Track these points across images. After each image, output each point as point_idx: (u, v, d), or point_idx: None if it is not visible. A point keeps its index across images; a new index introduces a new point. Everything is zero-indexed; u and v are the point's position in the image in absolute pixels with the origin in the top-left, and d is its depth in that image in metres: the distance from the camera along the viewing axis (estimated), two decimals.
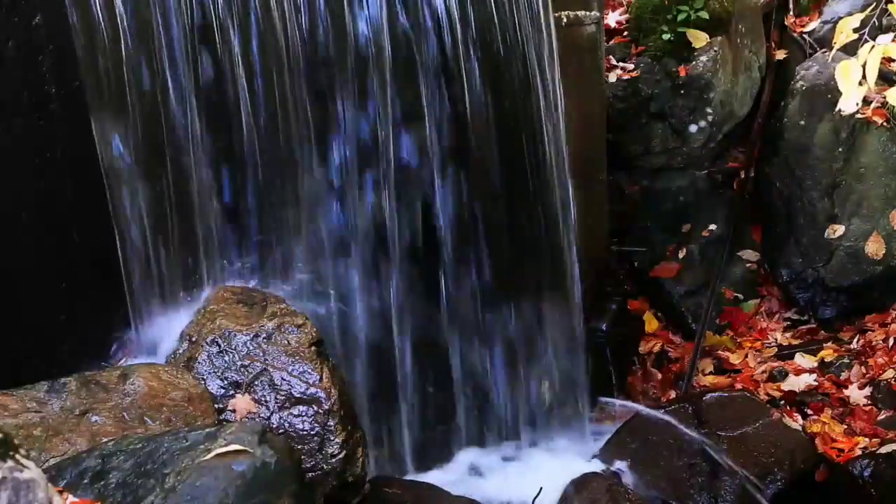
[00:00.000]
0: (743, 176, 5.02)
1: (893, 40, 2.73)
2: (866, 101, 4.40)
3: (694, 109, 4.82)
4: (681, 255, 4.90)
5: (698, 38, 4.77)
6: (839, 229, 4.67)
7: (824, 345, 4.57)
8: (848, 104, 2.72)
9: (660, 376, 4.58)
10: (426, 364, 3.52)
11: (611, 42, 4.88)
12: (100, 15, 2.74)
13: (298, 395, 2.64)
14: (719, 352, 4.66)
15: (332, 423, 2.62)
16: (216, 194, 3.05)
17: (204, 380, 2.66)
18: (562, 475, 3.52)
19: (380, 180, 3.30)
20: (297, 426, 2.62)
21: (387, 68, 3.21)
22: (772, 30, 5.21)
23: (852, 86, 2.65)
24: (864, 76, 2.63)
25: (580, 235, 3.81)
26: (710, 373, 4.57)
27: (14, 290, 2.71)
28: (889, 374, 4.24)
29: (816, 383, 4.35)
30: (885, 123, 4.57)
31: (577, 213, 3.78)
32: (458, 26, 3.28)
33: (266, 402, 2.64)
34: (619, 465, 3.65)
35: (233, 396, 2.65)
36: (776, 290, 4.91)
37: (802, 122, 4.79)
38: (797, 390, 4.32)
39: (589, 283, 4.01)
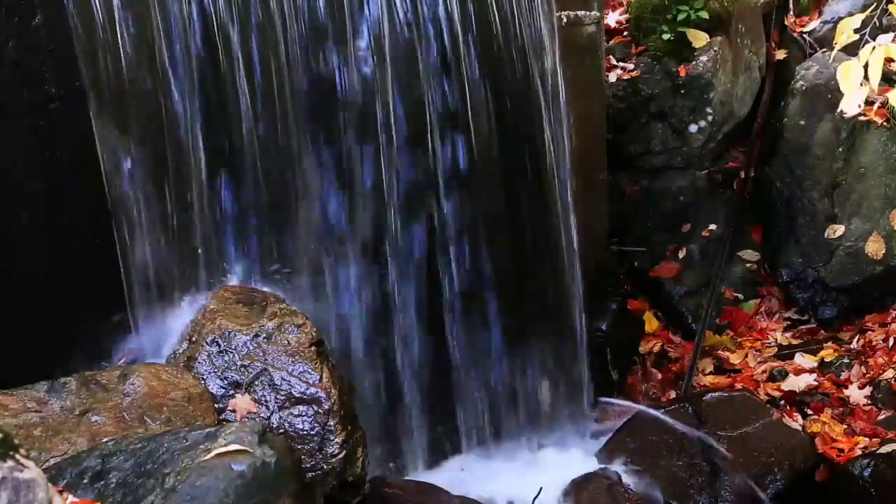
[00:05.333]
0: (743, 176, 5.02)
1: (894, 40, 2.72)
2: (867, 102, 4.39)
3: (694, 109, 4.82)
4: (681, 255, 4.90)
5: (698, 38, 4.77)
6: (839, 229, 4.66)
7: (824, 345, 4.57)
8: (850, 106, 2.71)
9: (660, 376, 4.57)
10: (427, 364, 3.52)
11: (611, 42, 4.88)
12: (100, 15, 2.74)
13: (298, 395, 2.64)
14: (719, 352, 4.66)
15: (332, 423, 2.62)
16: (216, 194, 3.05)
17: (204, 380, 2.66)
18: (562, 475, 3.52)
19: (381, 179, 3.30)
20: (297, 426, 2.62)
21: (388, 69, 3.21)
22: (772, 30, 5.21)
23: (854, 87, 2.64)
24: (865, 77, 2.62)
25: (580, 235, 3.81)
26: (710, 373, 4.57)
27: (14, 290, 2.72)
28: (889, 374, 4.24)
29: (816, 383, 4.34)
30: (885, 123, 4.57)
31: (577, 213, 3.78)
32: (459, 26, 3.28)
33: (266, 401, 2.64)
34: (619, 464, 3.65)
35: (233, 396, 2.65)
36: (776, 290, 4.90)
37: (802, 122, 4.79)
38: (797, 390, 4.31)
39: (589, 283, 4.01)
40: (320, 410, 2.63)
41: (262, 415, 2.61)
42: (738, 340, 4.72)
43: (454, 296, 3.51)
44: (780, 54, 5.17)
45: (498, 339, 3.66)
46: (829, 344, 4.57)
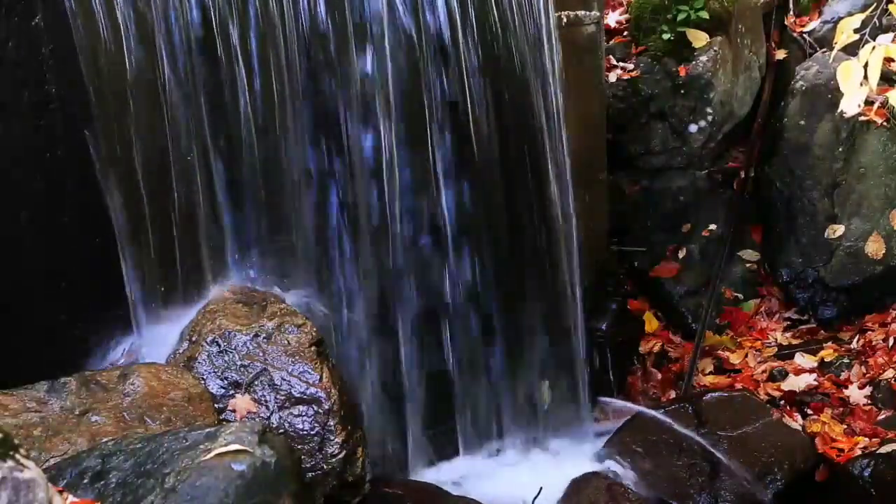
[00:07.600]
0: (743, 176, 5.02)
1: (894, 40, 2.72)
2: (867, 102, 4.39)
3: (694, 109, 4.82)
4: (681, 255, 4.90)
5: (698, 38, 4.77)
6: (839, 229, 4.67)
7: (824, 345, 4.56)
8: (850, 106, 2.71)
9: (660, 376, 4.57)
10: (427, 364, 3.51)
11: (611, 42, 4.88)
12: (100, 14, 2.74)
13: (298, 395, 2.65)
14: (719, 352, 4.66)
15: (332, 423, 2.62)
16: (217, 194, 3.05)
17: (204, 380, 2.66)
18: (562, 475, 3.52)
19: (381, 177, 3.30)
20: (297, 426, 2.62)
21: (388, 70, 3.21)
22: (772, 30, 5.21)
23: (854, 87, 2.63)
24: (865, 77, 2.62)
25: (580, 235, 3.81)
26: (710, 373, 4.57)
27: (14, 290, 2.71)
28: (889, 374, 4.24)
29: (816, 383, 4.34)
30: (885, 123, 4.57)
31: (577, 213, 3.78)
32: (459, 26, 3.28)
33: (266, 401, 2.64)
34: (619, 465, 3.65)
35: (233, 396, 2.65)
36: (776, 290, 4.90)
37: (802, 122, 4.79)
38: (797, 390, 4.31)
39: (589, 283, 4.01)
40: (320, 410, 2.63)
41: (262, 415, 2.61)
42: (738, 340, 4.72)
43: (454, 296, 3.51)
44: (780, 54, 5.17)
45: (498, 338, 3.66)
46: (829, 344, 4.56)
